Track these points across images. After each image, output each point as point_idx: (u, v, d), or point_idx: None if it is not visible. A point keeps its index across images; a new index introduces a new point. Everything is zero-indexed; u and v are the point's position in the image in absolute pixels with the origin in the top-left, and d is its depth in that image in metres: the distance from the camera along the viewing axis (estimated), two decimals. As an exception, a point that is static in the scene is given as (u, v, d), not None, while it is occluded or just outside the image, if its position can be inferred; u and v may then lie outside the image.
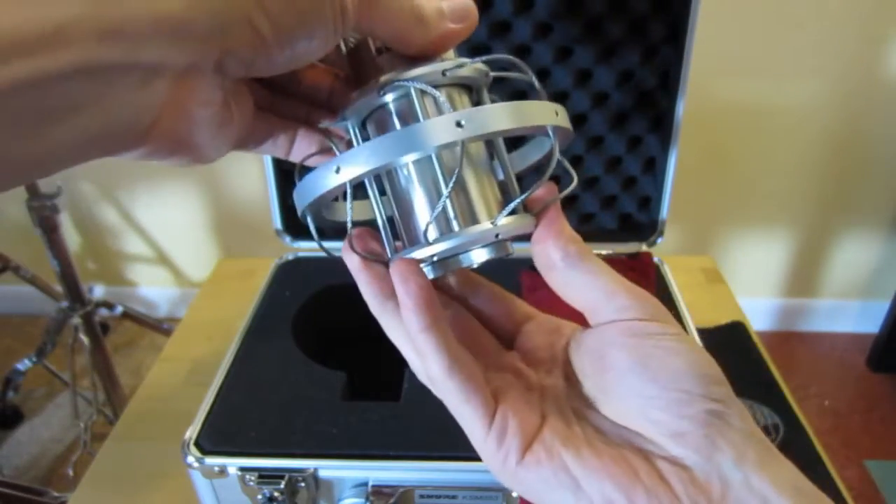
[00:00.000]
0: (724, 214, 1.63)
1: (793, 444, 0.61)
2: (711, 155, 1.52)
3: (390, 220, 0.30)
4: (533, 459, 0.25)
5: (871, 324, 1.71)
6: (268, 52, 0.22)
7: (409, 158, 0.26)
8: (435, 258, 0.28)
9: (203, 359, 0.72)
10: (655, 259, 0.69)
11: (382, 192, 0.30)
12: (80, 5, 0.18)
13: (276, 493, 0.47)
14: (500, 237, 0.27)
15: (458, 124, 0.24)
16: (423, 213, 0.28)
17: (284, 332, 0.59)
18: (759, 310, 1.79)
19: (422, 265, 0.28)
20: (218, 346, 0.59)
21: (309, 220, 0.30)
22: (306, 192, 0.28)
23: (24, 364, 1.42)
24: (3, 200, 1.70)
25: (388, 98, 0.28)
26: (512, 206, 0.27)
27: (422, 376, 0.29)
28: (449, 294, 0.33)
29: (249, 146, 0.31)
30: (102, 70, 0.19)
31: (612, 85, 0.63)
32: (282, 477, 0.47)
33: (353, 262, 0.29)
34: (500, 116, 0.25)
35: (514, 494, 0.48)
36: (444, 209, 0.27)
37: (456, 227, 0.27)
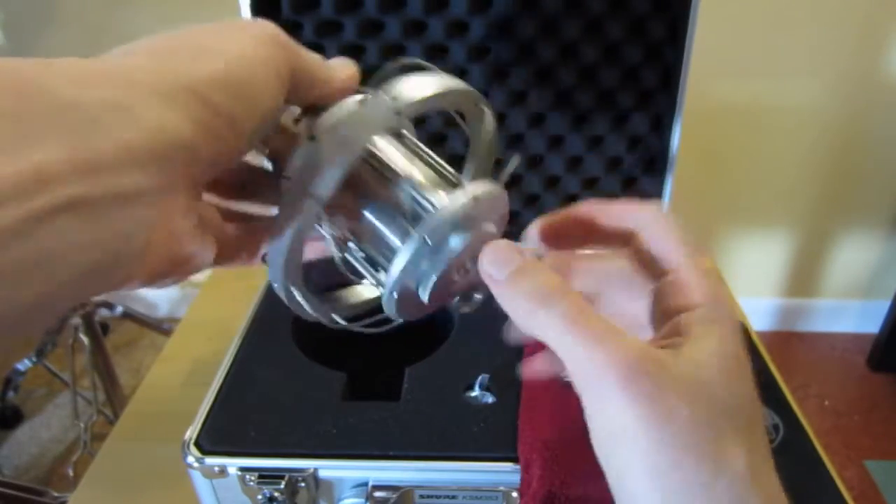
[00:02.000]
0: (724, 214, 1.63)
1: (793, 444, 0.61)
2: (711, 155, 1.52)
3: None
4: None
5: (871, 324, 1.71)
6: (226, 145, 0.23)
7: None
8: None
9: (203, 359, 0.72)
10: (655, 259, 0.69)
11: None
12: (55, 147, 0.18)
13: (276, 494, 0.47)
14: (476, 199, 0.27)
15: (394, 99, 0.26)
16: (397, 231, 0.28)
17: (284, 332, 0.59)
18: (759, 310, 1.79)
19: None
20: (218, 346, 0.59)
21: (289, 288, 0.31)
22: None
23: (24, 364, 1.42)
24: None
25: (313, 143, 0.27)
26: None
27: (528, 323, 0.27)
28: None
29: (229, 262, 0.32)
30: (87, 205, 0.19)
31: (612, 85, 0.63)
32: (282, 477, 0.47)
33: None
34: (427, 83, 0.27)
35: (514, 494, 0.48)
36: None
37: (433, 211, 0.26)
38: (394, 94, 0.26)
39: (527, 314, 0.25)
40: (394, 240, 0.27)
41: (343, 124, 0.26)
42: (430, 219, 0.26)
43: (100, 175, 0.19)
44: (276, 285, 0.29)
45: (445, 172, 0.28)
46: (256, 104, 0.24)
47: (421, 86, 0.27)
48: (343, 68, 0.30)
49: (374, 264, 0.30)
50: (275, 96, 0.25)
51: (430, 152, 0.29)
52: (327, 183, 0.25)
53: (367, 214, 0.28)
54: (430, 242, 0.26)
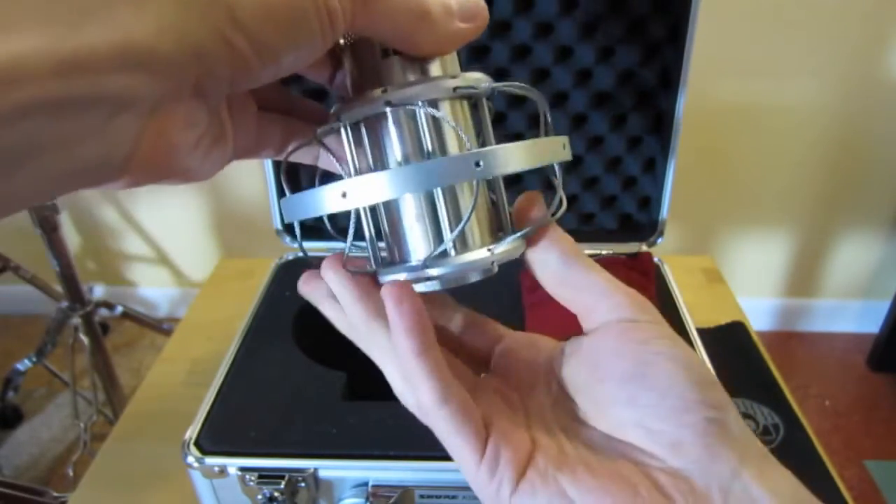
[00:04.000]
0: (724, 214, 1.63)
1: (793, 444, 0.61)
2: (711, 155, 1.52)
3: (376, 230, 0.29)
4: (528, 487, 0.24)
5: (871, 324, 1.71)
6: (249, 70, 0.21)
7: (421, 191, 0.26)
8: (426, 281, 0.28)
9: (203, 359, 0.72)
10: (655, 259, 0.69)
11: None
12: (36, 37, 0.16)
13: (276, 493, 0.47)
14: (494, 264, 0.28)
15: (477, 164, 0.24)
16: (418, 235, 0.28)
17: (284, 332, 0.59)
18: (759, 310, 1.79)
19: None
20: (218, 346, 0.59)
21: (297, 228, 0.30)
22: (302, 209, 0.27)
23: (24, 364, 1.42)
24: (3, 200, 1.70)
25: (391, 110, 0.27)
26: (510, 239, 0.27)
27: (407, 401, 0.28)
28: None
29: (258, 154, 0.30)
30: (63, 106, 0.17)
31: (612, 85, 0.63)
32: (282, 477, 0.47)
33: (339, 278, 0.28)
34: (517, 157, 0.25)
35: None
36: (444, 238, 0.27)
37: (453, 254, 0.27)
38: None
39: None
40: (409, 243, 0.28)
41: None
42: (448, 262, 0.27)
43: (83, 75, 0.17)
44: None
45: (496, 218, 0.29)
46: (298, 39, 0.21)
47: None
48: (449, 19, 0.25)
49: (378, 234, 0.30)
50: (325, 36, 0.22)
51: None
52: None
53: (403, 202, 0.28)
54: (440, 281, 0.28)
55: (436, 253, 0.27)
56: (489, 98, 0.30)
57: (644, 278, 0.65)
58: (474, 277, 0.28)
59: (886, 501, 1.34)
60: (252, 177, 1.61)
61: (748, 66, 1.40)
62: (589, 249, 0.68)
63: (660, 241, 0.69)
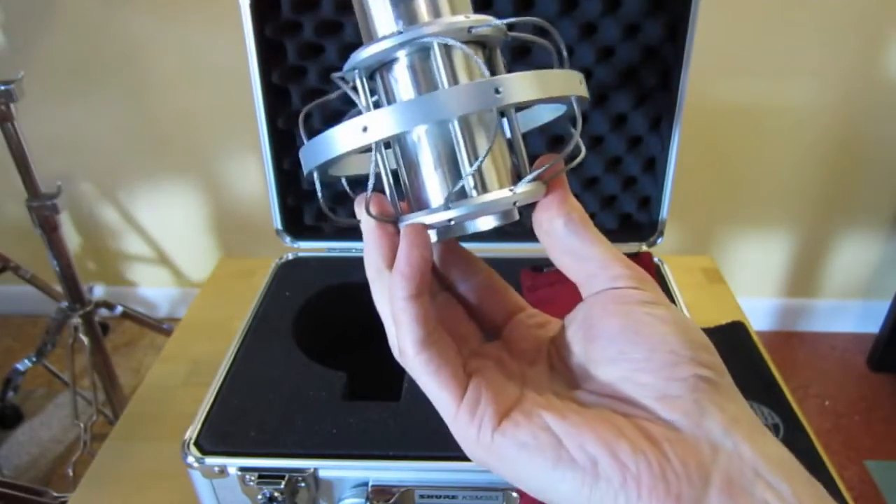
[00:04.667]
0: (724, 214, 1.63)
1: (793, 444, 0.61)
2: (711, 155, 1.52)
3: (394, 174, 0.29)
4: (510, 424, 0.24)
5: (871, 324, 1.71)
6: None
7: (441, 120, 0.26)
8: (447, 222, 0.27)
9: (203, 359, 0.72)
10: (655, 259, 0.69)
11: (386, 146, 0.30)
12: None
13: (276, 493, 0.47)
14: (516, 205, 0.27)
15: (497, 91, 0.24)
16: (435, 175, 0.28)
17: (284, 332, 0.59)
18: (759, 310, 1.78)
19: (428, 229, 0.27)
20: (218, 346, 0.59)
21: (316, 179, 0.29)
22: (323, 150, 0.27)
23: (24, 364, 1.42)
24: (3, 200, 1.70)
25: (405, 52, 0.27)
26: (531, 176, 0.27)
27: (395, 352, 0.28)
28: (441, 280, 0.32)
29: None
30: None
31: (612, 85, 0.63)
32: (282, 477, 0.47)
33: (368, 224, 0.28)
34: (535, 85, 0.25)
35: (514, 494, 0.48)
36: (463, 174, 0.27)
37: (474, 194, 0.27)
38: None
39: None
40: (428, 189, 0.28)
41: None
42: (469, 202, 0.27)
43: None
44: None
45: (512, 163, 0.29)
46: None
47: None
48: None
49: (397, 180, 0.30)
50: None
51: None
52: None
53: (422, 141, 0.28)
54: (461, 224, 0.27)
55: (456, 189, 0.27)
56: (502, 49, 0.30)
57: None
58: (495, 222, 0.28)
59: (886, 501, 1.34)
60: (252, 177, 1.61)
61: (748, 66, 1.40)
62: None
63: (660, 241, 0.69)
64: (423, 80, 0.27)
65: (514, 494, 0.48)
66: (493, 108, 0.25)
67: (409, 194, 0.29)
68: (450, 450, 0.47)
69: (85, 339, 1.26)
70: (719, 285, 0.84)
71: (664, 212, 0.67)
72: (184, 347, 0.75)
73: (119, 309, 1.41)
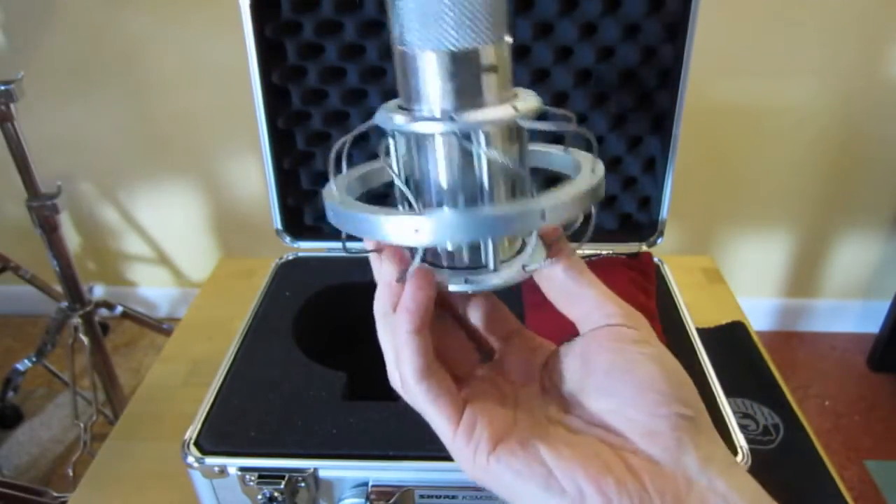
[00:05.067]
0: (724, 214, 1.63)
1: (793, 444, 0.61)
2: (711, 155, 1.52)
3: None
4: (506, 451, 0.27)
5: (871, 324, 1.71)
6: None
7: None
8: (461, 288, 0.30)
9: (203, 359, 0.72)
10: (655, 259, 0.69)
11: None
12: None
13: (276, 493, 0.47)
14: (523, 277, 0.30)
15: (542, 217, 0.26)
16: (459, 250, 0.30)
17: (284, 332, 0.59)
18: (759, 310, 1.78)
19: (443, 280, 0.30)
20: (218, 346, 0.59)
21: (343, 236, 0.31)
22: (366, 230, 0.28)
23: (24, 364, 1.42)
24: (3, 200, 1.70)
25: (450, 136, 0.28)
26: (543, 264, 0.30)
27: (394, 380, 0.30)
28: (442, 301, 0.33)
29: None
30: None
31: (612, 85, 0.63)
32: (282, 477, 0.47)
33: (384, 270, 0.31)
34: (574, 206, 0.27)
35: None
36: (484, 260, 0.30)
37: (492, 267, 0.30)
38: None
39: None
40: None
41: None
42: (477, 275, 0.30)
43: None
44: None
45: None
46: None
47: None
48: None
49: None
50: None
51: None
52: None
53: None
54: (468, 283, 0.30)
55: (476, 275, 0.30)
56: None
57: (644, 278, 0.65)
58: (501, 285, 0.30)
59: (886, 501, 1.34)
60: (252, 177, 1.61)
61: (748, 66, 1.40)
62: (589, 249, 0.68)
63: (660, 241, 0.69)
64: (461, 171, 0.28)
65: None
66: (534, 230, 0.28)
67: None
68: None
69: (85, 339, 1.26)
70: (719, 285, 0.84)
71: (664, 212, 0.67)
72: (184, 347, 0.75)
73: (119, 309, 1.41)
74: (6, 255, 1.44)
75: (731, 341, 0.73)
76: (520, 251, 0.32)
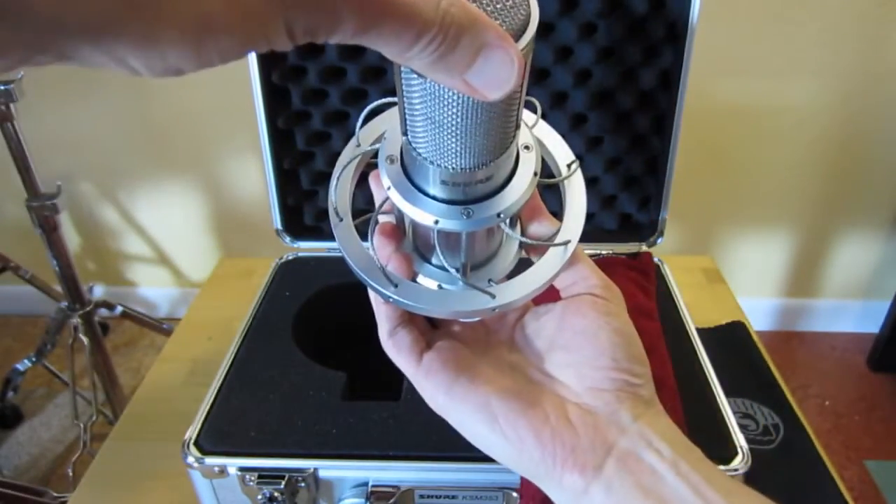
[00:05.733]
0: (724, 214, 1.63)
1: (793, 444, 0.61)
2: (711, 155, 1.51)
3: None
4: (460, 391, 0.31)
5: (871, 324, 1.71)
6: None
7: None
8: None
9: (203, 359, 0.72)
10: (655, 259, 0.69)
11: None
12: None
13: (276, 493, 0.47)
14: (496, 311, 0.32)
15: (493, 310, 0.31)
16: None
17: (284, 332, 0.59)
18: (759, 310, 1.78)
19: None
20: (218, 346, 0.59)
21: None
22: (359, 271, 0.31)
23: (23, 364, 1.42)
24: (3, 200, 1.70)
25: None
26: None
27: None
28: None
29: None
30: None
31: (612, 85, 0.63)
32: (282, 477, 0.47)
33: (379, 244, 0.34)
34: (527, 292, 0.31)
35: (514, 494, 0.48)
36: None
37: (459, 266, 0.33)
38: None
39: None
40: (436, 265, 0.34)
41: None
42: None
43: None
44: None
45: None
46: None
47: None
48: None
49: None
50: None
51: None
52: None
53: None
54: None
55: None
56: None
57: (644, 278, 0.65)
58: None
59: (886, 501, 1.34)
60: (252, 177, 1.61)
61: (748, 66, 1.40)
62: (589, 249, 0.68)
63: (660, 241, 0.69)
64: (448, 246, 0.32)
65: (515, 494, 0.48)
66: (488, 315, 0.32)
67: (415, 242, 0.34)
68: (450, 450, 0.47)
69: (85, 339, 1.26)
70: (719, 285, 0.84)
71: (664, 212, 0.67)
72: (184, 347, 0.75)
73: (119, 309, 1.41)
74: (6, 255, 1.44)
75: (731, 341, 0.73)
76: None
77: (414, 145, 0.27)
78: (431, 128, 0.25)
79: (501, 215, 0.28)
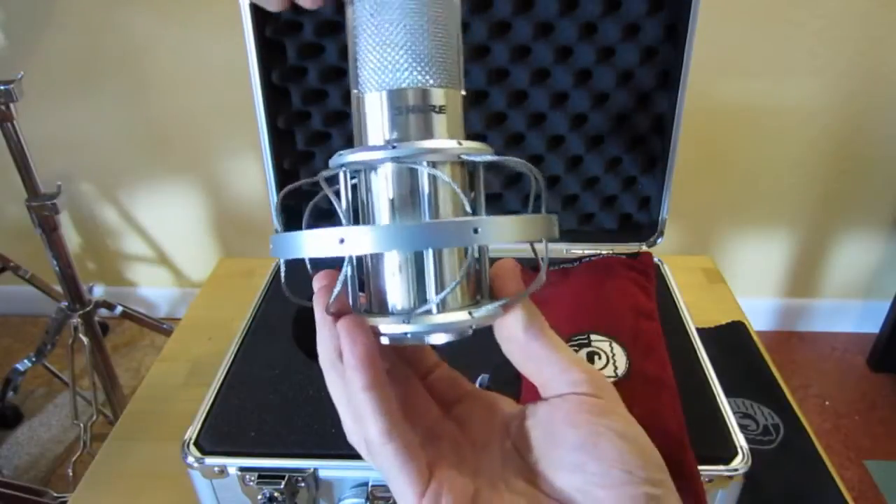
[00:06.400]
0: (724, 214, 1.63)
1: (793, 444, 0.61)
2: (711, 155, 1.52)
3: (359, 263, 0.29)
4: None
5: (871, 324, 1.71)
6: None
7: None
8: (403, 335, 0.28)
9: (203, 359, 0.72)
10: (655, 259, 0.69)
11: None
12: None
13: (276, 493, 0.47)
14: (472, 328, 0.28)
15: (475, 230, 0.25)
16: (399, 285, 0.28)
17: (284, 332, 0.59)
18: (759, 310, 1.78)
19: (381, 335, 0.28)
20: (218, 346, 0.59)
21: (282, 265, 0.31)
22: (296, 249, 0.28)
23: (24, 364, 1.42)
24: (3, 200, 1.70)
25: (392, 165, 0.28)
26: (490, 307, 0.28)
27: (353, 438, 0.29)
28: (399, 355, 0.32)
29: None
30: None
31: (612, 85, 0.63)
32: (282, 477, 0.47)
33: (321, 318, 0.29)
34: (512, 230, 0.27)
35: None
36: (427, 297, 0.28)
37: (434, 311, 0.28)
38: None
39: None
40: (389, 292, 0.29)
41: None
42: (428, 320, 0.27)
43: None
44: None
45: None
46: None
47: None
48: None
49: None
50: None
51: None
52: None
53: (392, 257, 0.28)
54: (415, 336, 0.28)
55: (419, 311, 0.27)
56: (486, 168, 0.30)
57: (644, 278, 0.65)
58: (447, 338, 0.28)
59: (886, 501, 1.34)
60: (252, 177, 1.61)
61: (748, 66, 1.40)
62: (589, 249, 0.68)
63: (660, 241, 0.69)
64: (407, 194, 0.28)
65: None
66: (469, 246, 0.26)
67: (369, 287, 0.29)
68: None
69: (85, 339, 1.26)
70: (719, 285, 0.84)
71: (664, 212, 0.67)
72: (184, 347, 0.75)
73: (119, 309, 1.41)
74: (6, 255, 1.44)
75: (731, 341, 0.73)
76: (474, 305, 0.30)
77: (363, 81, 0.28)
78: (379, 48, 0.27)
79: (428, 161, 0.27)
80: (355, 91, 0.29)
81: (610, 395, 0.28)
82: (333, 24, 0.61)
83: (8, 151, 1.08)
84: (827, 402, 1.59)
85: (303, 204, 0.72)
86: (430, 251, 0.28)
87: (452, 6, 0.29)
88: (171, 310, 1.89)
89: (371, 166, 0.28)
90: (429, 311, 0.28)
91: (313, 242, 0.26)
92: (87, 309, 1.26)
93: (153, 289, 1.87)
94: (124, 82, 1.50)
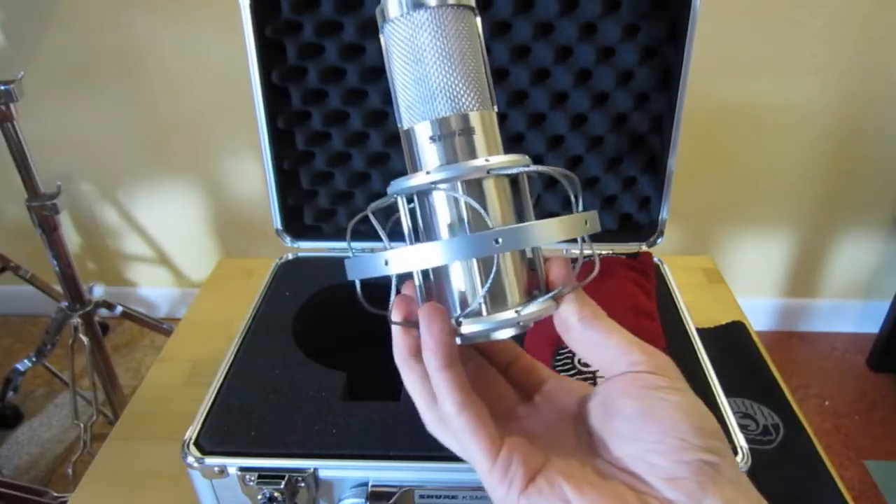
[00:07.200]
0: (724, 214, 1.63)
1: (793, 444, 0.61)
2: (711, 155, 1.52)
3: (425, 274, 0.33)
4: (535, 490, 0.27)
5: (871, 324, 1.71)
6: None
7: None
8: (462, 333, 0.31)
9: (203, 359, 0.72)
10: (655, 259, 0.69)
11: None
12: None
13: (276, 493, 0.47)
14: (521, 325, 0.31)
15: (496, 241, 0.28)
16: (452, 289, 0.32)
17: (284, 332, 0.59)
18: (759, 310, 1.79)
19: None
20: (218, 346, 0.59)
21: (358, 286, 0.34)
22: (358, 270, 0.32)
23: (24, 364, 1.42)
24: (3, 200, 1.70)
25: (435, 190, 0.31)
26: (540, 301, 0.31)
27: (431, 427, 0.32)
28: (477, 350, 0.35)
29: None
30: None
31: (611, 85, 0.63)
32: (282, 477, 0.47)
33: (396, 320, 0.33)
34: (535, 235, 0.29)
35: None
36: (471, 300, 0.31)
37: (484, 312, 0.31)
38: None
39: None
40: (448, 296, 0.32)
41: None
42: (478, 321, 0.31)
43: None
44: None
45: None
46: None
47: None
48: None
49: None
50: None
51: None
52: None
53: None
54: (467, 338, 0.31)
55: (465, 312, 0.31)
56: (531, 176, 0.33)
57: (644, 278, 0.65)
58: (508, 334, 0.31)
59: (886, 501, 1.34)
60: (252, 177, 1.61)
61: (748, 66, 1.40)
62: (589, 249, 0.68)
63: (660, 241, 0.69)
64: (449, 213, 0.31)
65: None
66: (494, 254, 0.29)
67: (434, 294, 0.33)
68: (450, 450, 0.47)
69: (85, 339, 1.26)
70: (719, 285, 0.84)
71: (664, 212, 0.67)
72: (184, 347, 0.75)
73: (119, 309, 1.41)
74: (6, 255, 1.44)
75: (731, 341, 0.73)
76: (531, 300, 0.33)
77: (407, 116, 0.32)
78: (416, 83, 0.31)
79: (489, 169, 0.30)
80: (400, 124, 0.33)
81: (668, 371, 0.29)
82: (333, 24, 0.61)
83: (8, 151, 1.08)
84: (827, 402, 1.59)
85: (304, 205, 0.72)
86: (465, 265, 0.31)
87: (473, 34, 0.33)
88: (171, 310, 1.89)
89: (422, 191, 0.32)
90: (478, 312, 0.31)
91: (365, 264, 0.31)
92: (87, 309, 1.26)
93: (153, 289, 1.87)
94: (124, 82, 1.50)
